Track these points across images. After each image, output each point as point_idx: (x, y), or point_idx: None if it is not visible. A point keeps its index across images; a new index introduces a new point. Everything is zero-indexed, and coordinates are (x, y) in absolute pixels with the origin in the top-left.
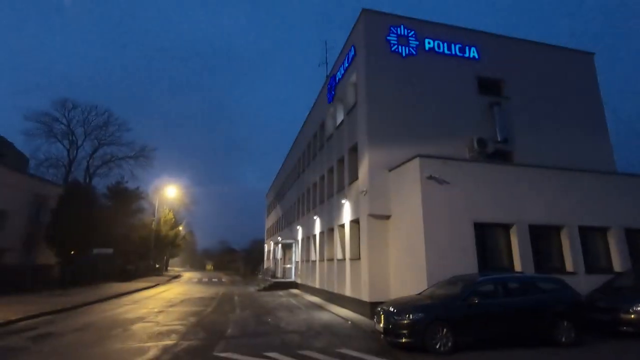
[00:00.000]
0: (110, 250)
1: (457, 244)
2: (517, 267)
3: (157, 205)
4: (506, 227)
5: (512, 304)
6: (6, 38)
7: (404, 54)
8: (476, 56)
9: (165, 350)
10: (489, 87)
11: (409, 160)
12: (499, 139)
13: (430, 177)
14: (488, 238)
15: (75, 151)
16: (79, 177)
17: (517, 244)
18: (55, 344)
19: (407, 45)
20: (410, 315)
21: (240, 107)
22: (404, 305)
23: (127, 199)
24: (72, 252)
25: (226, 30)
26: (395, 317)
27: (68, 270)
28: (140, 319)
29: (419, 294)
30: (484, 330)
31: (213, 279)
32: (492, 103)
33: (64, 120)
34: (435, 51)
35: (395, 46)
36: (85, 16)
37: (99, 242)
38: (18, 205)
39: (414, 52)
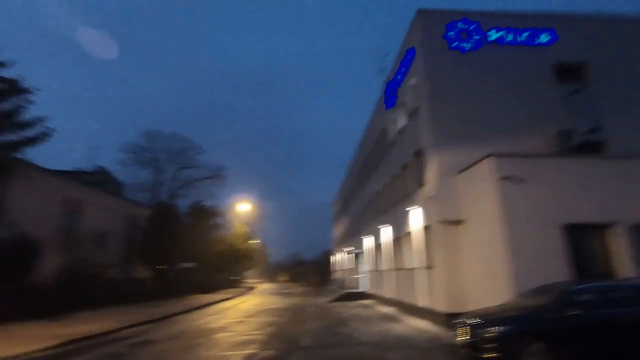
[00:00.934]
0: (193, 265)
1: (544, 249)
2: (621, 272)
3: (231, 220)
4: (603, 228)
5: (617, 316)
6: (98, 85)
7: (465, 50)
8: (550, 41)
9: (246, 359)
10: (568, 73)
11: (480, 160)
12: (585, 130)
13: (506, 177)
14: (581, 241)
15: (160, 175)
16: (164, 199)
17: (620, 247)
18: (151, 351)
19: (469, 40)
20: (497, 328)
21: (302, 123)
22: (488, 317)
23: (206, 216)
24: (161, 267)
25: (284, 54)
26: (479, 330)
27: (159, 284)
28: (222, 328)
29: (504, 304)
30: (584, 345)
31: (286, 290)
32: (574, 90)
33: (150, 149)
34: (501, 42)
35: (456, 43)
36: (160, 59)
37: (183, 257)
38: (117, 226)
39: (477, 46)
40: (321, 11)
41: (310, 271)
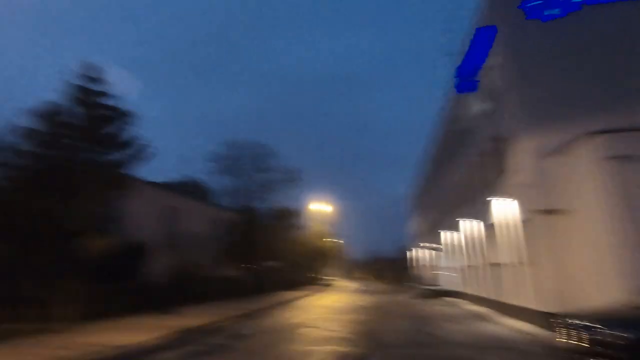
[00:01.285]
0: (276, 263)
1: None
2: None
3: (308, 220)
4: None
5: None
6: (185, 102)
7: (547, 18)
8: None
9: (330, 354)
10: None
11: (577, 139)
12: None
13: (615, 157)
14: None
15: (241, 181)
16: (246, 202)
17: None
18: (246, 343)
19: (551, 6)
20: (620, 331)
21: (375, 118)
22: (604, 317)
23: (285, 217)
24: (249, 265)
25: (353, 53)
26: (594, 332)
27: (247, 281)
28: (307, 324)
29: (621, 303)
30: None
31: (365, 288)
32: None
33: (230, 157)
34: (593, 2)
35: (535, 11)
36: (234, 68)
37: (267, 256)
38: (208, 229)
39: (563, 13)
40: (386, 6)
41: (388, 268)
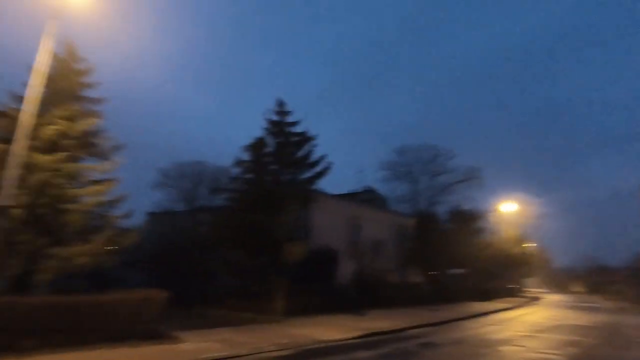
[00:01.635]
0: (462, 270)
1: None
2: None
3: (497, 223)
4: None
5: None
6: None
7: None
8: None
9: None
10: None
11: None
12: None
13: None
14: None
15: (416, 186)
16: (423, 207)
17: None
18: (437, 353)
19: None
20: None
21: (579, 96)
22: None
23: (466, 220)
24: (432, 272)
25: (547, 21)
26: None
27: (431, 288)
28: (507, 341)
29: None
30: None
31: (584, 304)
32: None
33: (403, 163)
34: None
35: None
36: (400, 70)
37: (450, 263)
38: (388, 235)
39: None
40: None
41: (620, 281)
